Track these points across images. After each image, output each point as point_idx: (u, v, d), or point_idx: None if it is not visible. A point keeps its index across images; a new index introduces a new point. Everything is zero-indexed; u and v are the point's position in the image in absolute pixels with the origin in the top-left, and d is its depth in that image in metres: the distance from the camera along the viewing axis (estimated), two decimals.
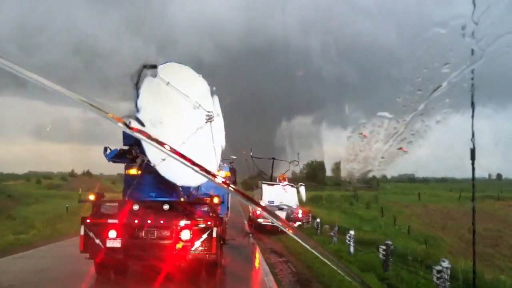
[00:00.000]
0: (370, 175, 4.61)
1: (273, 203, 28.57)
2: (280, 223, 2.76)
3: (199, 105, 11.25)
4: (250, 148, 36.85)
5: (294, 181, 33.97)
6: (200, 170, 2.62)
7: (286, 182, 30.57)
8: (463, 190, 60.54)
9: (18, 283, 11.60)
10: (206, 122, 11.33)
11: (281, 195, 29.22)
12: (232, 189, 2.86)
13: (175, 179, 11.37)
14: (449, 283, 11.18)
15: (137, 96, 10.98)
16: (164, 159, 10.49)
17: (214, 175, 2.81)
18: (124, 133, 11.68)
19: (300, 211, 28.97)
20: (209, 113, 11.36)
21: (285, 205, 28.55)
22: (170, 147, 2.53)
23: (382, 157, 3.84)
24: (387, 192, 77.51)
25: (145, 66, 11.18)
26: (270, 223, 24.67)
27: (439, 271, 11.28)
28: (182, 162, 2.55)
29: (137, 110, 10.59)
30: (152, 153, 10.79)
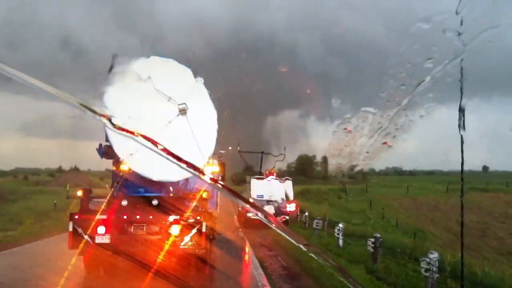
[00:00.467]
0: (356, 169, 4.64)
1: (262, 198, 28.67)
2: (267, 219, 2.77)
3: (169, 98, 10.82)
4: (237, 142, 36.91)
5: (283, 175, 34.04)
6: (187, 166, 2.63)
7: (272, 177, 30.65)
8: (450, 183, 61.00)
9: (6, 280, 11.53)
10: (178, 115, 10.89)
11: (270, 190, 29.31)
12: (219, 186, 2.87)
13: (149, 174, 11.21)
14: (437, 275, 11.27)
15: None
16: (132, 154, 10.37)
17: (201, 172, 2.81)
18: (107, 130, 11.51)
19: (287, 205, 29.08)
20: (181, 105, 10.91)
21: (273, 199, 28.65)
22: (159, 144, 2.53)
23: (367, 152, 3.86)
24: (375, 186, 77.72)
25: (116, 56, 10.91)
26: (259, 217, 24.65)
27: (427, 263, 11.37)
28: (169, 159, 2.55)
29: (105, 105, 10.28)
30: (120, 148, 10.63)
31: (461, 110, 3.80)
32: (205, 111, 11.67)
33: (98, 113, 2.21)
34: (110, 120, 2.23)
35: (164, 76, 11.00)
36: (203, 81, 11.59)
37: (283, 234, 2.71)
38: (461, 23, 2.95)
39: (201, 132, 11.31)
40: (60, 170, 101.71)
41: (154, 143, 2.48)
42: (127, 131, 2.33)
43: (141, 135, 2.42)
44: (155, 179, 11.38)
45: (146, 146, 2.49)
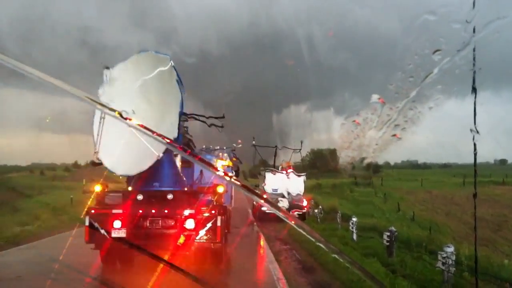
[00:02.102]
0: (365, 162, 4.65)
1: (276, 191, 28.76)
2: (281, 213, 2.80)
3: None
4: (252, 136, 37.01)
5: (298, 169, 34.07)
6: (200, 161, 2.66)
7: (285, 172, 30.70)
8: (466, 176, 60.50)
9: (24, 274, 11.70)
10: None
11: (284, 184, 29.35)
12: (233, 180, 2.89)
13: (114, 168, 11.57)
14: (454, 269, 11.22)
15: None
16: (96, 152, 11.14)
17: (215, 168, 2.84)
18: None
19: (305, 200, 29.09)
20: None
21: (288, 193, 28.70)
22: (170, 140, 2.57)
23: (376, 144, 3.87)
24: (390, 179, 77.32)
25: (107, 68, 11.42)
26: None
27: (443, 257, 11.31)
28: (181, 153, 2.60)
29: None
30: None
31: (474, 91, 3.81)
32: (169, 94, 11.85)
33: (109, 107, 2.25)
34: (121, 115, 2.27)
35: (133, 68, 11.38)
36: (171, 64, 11.63)
37: (298, 228, 2.73)
38: (474, 5, 2.94)
39: (167, 116, 11.53)
40: (76, 165, 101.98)
41: (171, 141, 2.53)
42: (142, 125, 2.37)
43: (152, 131, 2.47)
44: (119, 173, 11.93)
45: (158, 140, 2.53)
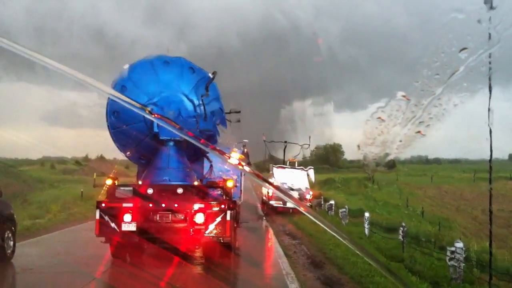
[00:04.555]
0: (388, 158, 4.64)
1: (285, 185, 28.84)
2: (295, 202, 2.79)
3: None
4: (262, 132, 37.24)
5: (308, 163, 34.22)
6: (217, 151, 2.67)
7: (291, 166, 30.97)
8: (477, 171, 60.03)
9: (35, 267, 11.76)
10: None
11: (292, 178, 29.45)
12: (247, 170, 2.90)
13: None
14: (463, 264, 11.17)
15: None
16: None
17: (229, 157, 2.85)
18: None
19: (310, 193, 29.23)
20: None
21: (296, 187, 28.76)
22: (188, 131, 2.58)
23: (400, 141, 3.86)
24: (401, 174, 76.96)
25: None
26: (282, 205, 25.14)
27: (452, 252, 11.26)
28: (198, 144, 2.61)
29: None
30: None
31: (490, 90, 3.77)
32: None
33: (138, 103, 2.26)
34: (150, 112, 2.27)
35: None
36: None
37: (311, 216, 2.72)
38: (494, 14, 2.92)
39: None
40: (86, 159, 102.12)
41: (189, 133, 2.54)
42: (166, 119, 2.37)
43: (174, 124, 2.47)
44: None
45: (177, 133, 2.54)
